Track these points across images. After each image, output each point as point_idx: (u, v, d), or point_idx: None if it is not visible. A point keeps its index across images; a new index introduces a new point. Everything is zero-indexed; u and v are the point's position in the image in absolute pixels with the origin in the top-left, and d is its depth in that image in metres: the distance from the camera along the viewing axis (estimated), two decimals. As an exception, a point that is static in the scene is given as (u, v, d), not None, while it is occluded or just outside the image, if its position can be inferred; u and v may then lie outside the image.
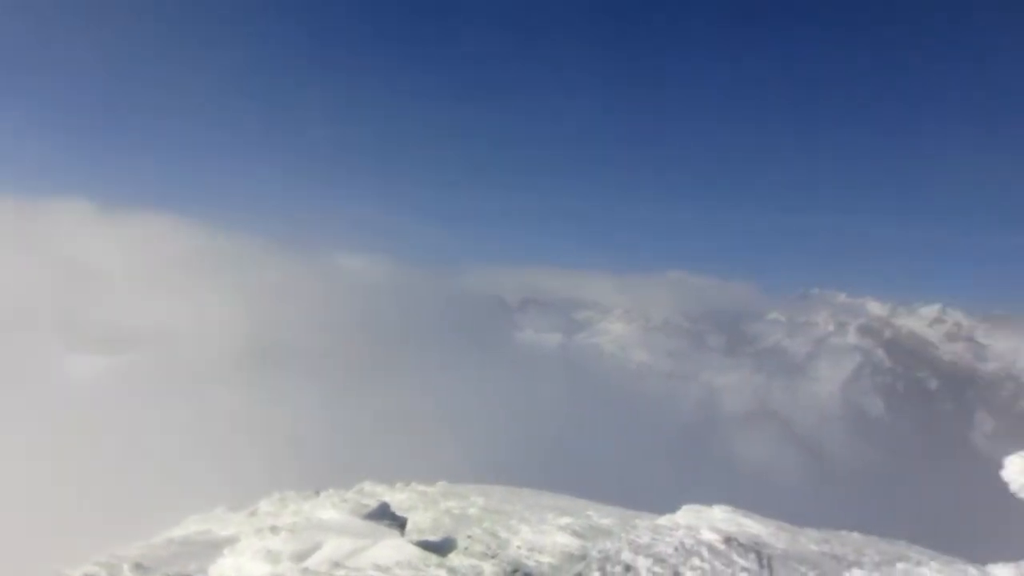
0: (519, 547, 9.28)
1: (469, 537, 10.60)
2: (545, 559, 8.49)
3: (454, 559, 8.60)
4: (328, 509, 10.92)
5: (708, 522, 11.13)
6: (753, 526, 11.22)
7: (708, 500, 13.47)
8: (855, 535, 12.05)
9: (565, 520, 11.08)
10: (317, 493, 18.62)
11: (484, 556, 8.62)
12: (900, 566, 7.72)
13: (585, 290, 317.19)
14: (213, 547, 12.92)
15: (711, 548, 8.64)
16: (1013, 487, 4.88)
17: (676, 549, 8.58)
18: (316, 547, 9.52)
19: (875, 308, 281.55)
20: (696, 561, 8.28)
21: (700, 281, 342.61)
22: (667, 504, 13.47)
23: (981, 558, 10.01)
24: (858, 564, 9.11)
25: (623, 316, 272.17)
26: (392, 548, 8.72)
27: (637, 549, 8.62)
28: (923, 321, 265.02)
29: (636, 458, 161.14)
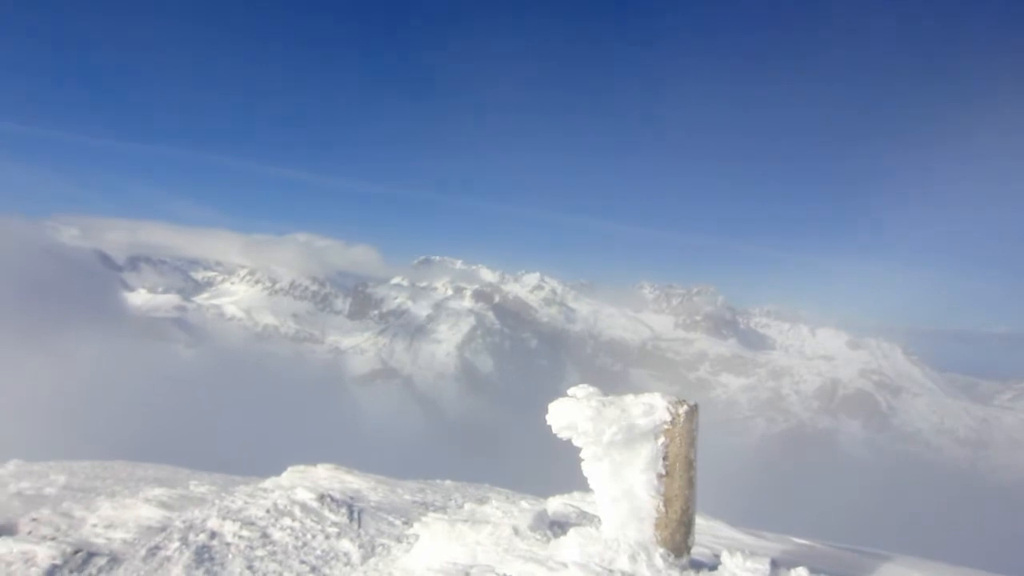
0: (94, 525, 8.31)
1: (34, 520, 9.23)
2: (119, 535, 7.71)
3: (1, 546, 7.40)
4: None
5: (311, 481, 11.09)
6: (355, 482, 11.43)
7: (333, 459, 13.46)
8: (448, 482, 12.94)
9: (156, 491, 10.21)
10: None
11: (43, 539, 7.55)
12: (468, 506, 8.43)
13: (205, 249, 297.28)
14: None
15: (304, 507, 8.61)
16: (554, 430, 5.62)
17: (268, 511, 8.39)
18: None
19: (487, 275, 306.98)
20: (287, 521, 8.18)
21: (326, 244, 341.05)
22: (285, 466, 13.20)
23: (548, 493, 11.41)
24: (443, 508, 9.72)
25: (248, 277, 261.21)
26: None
27: (226, 515, 8.27)
28: (526, 288, 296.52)
29: (261, 421, 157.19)
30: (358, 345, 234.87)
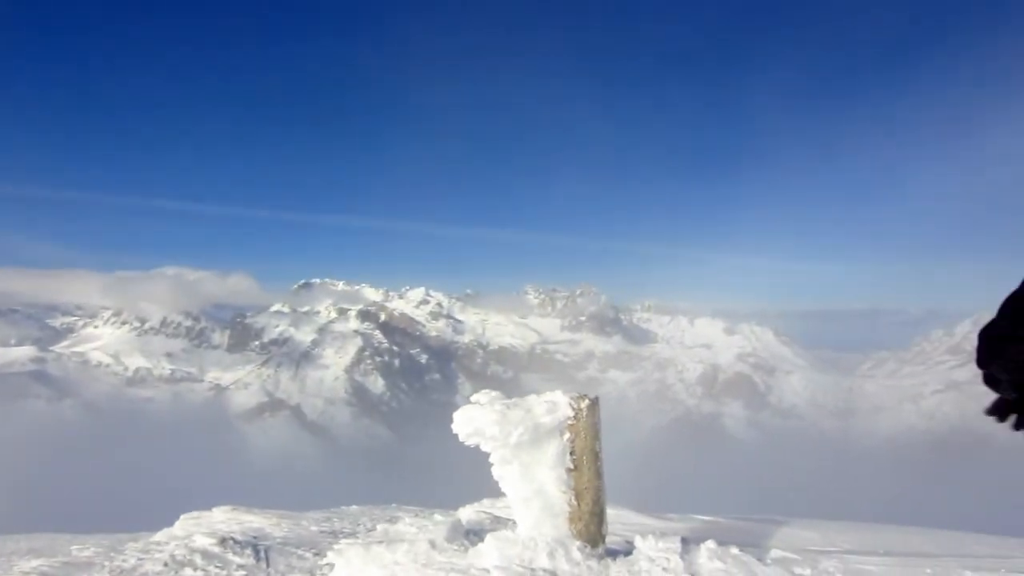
0: (-36, 614, 7.64)
1: None
2: (-3, 618, 7.12)
3: None
4: None
5: (207, 527, 10.57)
6: (255, 520, 10.99)
7: (228, 501, 12.86)
8: (354, 508, 12.67)
9: (33, 563, 9.43)
10: None
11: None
12: (380, 527, 8.32)
13: (63, 292, 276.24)
14: None
15: (205, 553, 8.22)
16: (461, 438, 5.64)
17: (166, 564, 7.95)
18: None
19: (370, 294, 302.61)
20: (189, 571, 7.79)
21: (198, 276, 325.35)
22: (177, 515, 12.48)
23: (456, 505, 11.37)
24: (353, 534, 9.55)
25: (113, 319, 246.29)
26: None
27: (120, 575, 7.78)
28: (411, 303, 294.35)
29: (144, 472, 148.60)
30: (241, 379, 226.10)
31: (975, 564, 6.22)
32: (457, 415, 5.77)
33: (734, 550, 5.98)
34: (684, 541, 6.01)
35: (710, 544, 5.93)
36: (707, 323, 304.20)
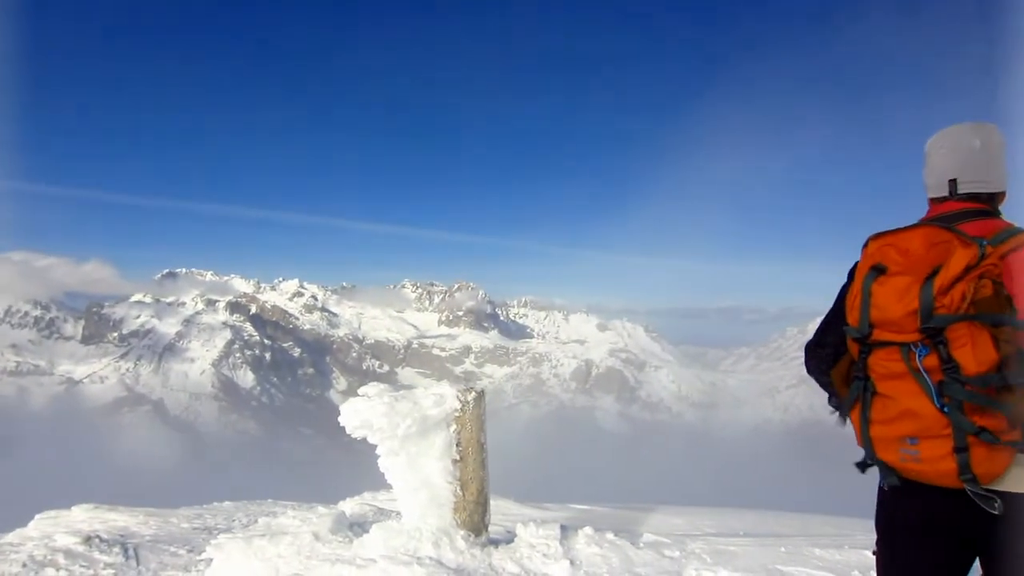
0: None
1: None
2: None
3: None
4: None
5: (67, 526, 9.96)
6: (120, 519, 10.44)
7: (87, 499, 12.09)
8: (227, 503, 12.26)
9: None
10: None
11: None
12: (262, 520, 8.18)
13: None
14: None
15: (68, 553, 7.78)
16: (348, 430, 5.67)
17: (24, 565, 7.48)
18: None
19: (241, 285, 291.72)
20: (51, 572, 7.36)
21: (49, 262, 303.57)
22: (31, 515, 11.65)
23: (332, 500, 11.27)
24: (228, 530, 9.28)
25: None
26: None
27: (-29, 578, 7.27)
28: (284, 295, 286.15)
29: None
30: (96, 372, 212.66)
31: (823, 543, 6.83)
32: (344, 407, 5.79)
33: (609, 535, 6.30)
34: (563, 528, 6.28)
35: (587, 530, 6.23)
36: (581, 319, 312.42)
